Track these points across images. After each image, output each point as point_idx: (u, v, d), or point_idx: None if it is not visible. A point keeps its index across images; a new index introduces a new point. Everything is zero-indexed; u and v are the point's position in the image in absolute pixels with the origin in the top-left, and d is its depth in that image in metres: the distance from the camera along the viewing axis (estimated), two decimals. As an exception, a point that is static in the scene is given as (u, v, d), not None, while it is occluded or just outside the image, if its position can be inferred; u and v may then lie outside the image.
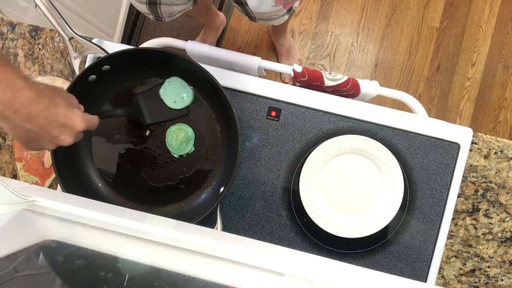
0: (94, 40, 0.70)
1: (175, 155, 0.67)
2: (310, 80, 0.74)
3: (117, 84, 0.67)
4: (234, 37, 1.59)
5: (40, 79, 0.73)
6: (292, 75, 0.74)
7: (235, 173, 0.61)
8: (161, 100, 0.67)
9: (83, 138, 0.67)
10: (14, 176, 0.74)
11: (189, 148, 0.67)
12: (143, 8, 0.83)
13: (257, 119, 0.68)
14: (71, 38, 0.66)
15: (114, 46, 0.70)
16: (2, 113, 0.43)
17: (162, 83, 0.67)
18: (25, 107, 0.44)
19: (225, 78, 0.68)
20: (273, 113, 0.68)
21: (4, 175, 0.74)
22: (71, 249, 0.42)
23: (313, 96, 0.68)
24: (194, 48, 0.74)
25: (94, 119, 0.55)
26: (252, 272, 0.42)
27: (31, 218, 0.45)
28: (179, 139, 0.66)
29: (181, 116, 0.68)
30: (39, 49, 0.73)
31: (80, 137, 0.53)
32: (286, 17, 0.94)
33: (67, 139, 0.49)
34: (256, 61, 0.73)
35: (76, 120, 0.49)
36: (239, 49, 1.59)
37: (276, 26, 1.45)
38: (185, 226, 0.50)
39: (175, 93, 0.67)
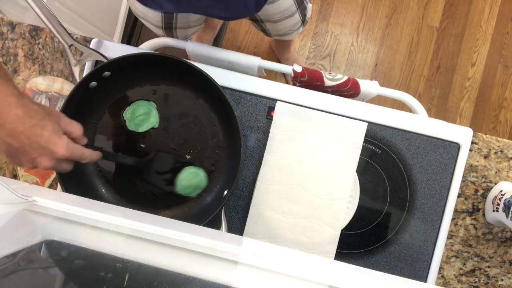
0: (94, 40, 0.70)
1: (180, 193, 0.66)
2: (310, 80, 0.74)
3: (118, 90, 0.67)
4: (234, 37, 1.59)
5: (40, 79, 0.73)
6: (292, 75, 0.74)
7: (238, 175, 0.61)
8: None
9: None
10: (14, 176, 0.74)
11: (196, 193, 0.67)
12: (159, 32, 0.84)
13: (257, 119, 0.68)
14: (70, 45, 0.66)
15: (114, 46, 0.70)
16: None
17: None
18: (10, 123, 0.45)
19: (225, 78, 0.68)
20: (273, 113, 0.68)
21: (4, 175, 0.74)
22: (71, 249, 0.42)
23: (313, 96, 0.68)
24: (194, 48, 0.74)
25: (86, 152, 0.54)
26: (252, 272, 0.42)
27: (31, 218, 0.45)
28: (192, 183, 0.65)
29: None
30: (39, 49, 0.73)
31: (65, 168, 0.53)
32: (301, 29, 0.94)
33: (44, 162, 0.49)
34: (256, 61, 0.73)
35: (59, 147, 0.49)
36: (239, 49, 1.59)
37: (281, 42, 1.46)
38: (185, 226, 0.50)
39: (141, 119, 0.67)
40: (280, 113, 0.66)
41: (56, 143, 0.48)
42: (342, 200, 0.65)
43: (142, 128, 0.67)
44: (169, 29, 0.82)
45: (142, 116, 0.67)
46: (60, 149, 0.49)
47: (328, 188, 0.65)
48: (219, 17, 0.74)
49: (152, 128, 0.67)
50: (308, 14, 0.91)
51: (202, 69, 0.61)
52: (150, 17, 0.78)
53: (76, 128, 0.53)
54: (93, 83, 0.63)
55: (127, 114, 0.67)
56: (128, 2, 0.82)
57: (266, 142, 0.68)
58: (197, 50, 0.74)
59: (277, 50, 1.52)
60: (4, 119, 0.45)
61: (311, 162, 0.65)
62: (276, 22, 0.83)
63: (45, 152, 0.48)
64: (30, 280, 0.38)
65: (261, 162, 0.68)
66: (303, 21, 0.90)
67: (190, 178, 0.66)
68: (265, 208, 0.66)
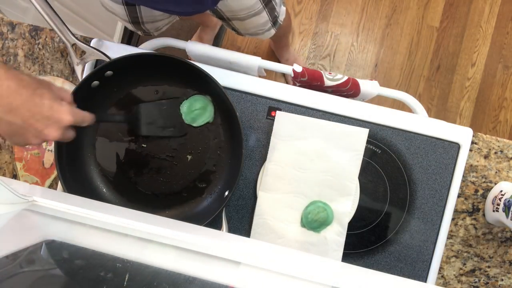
0: (94, 41, 0.70)
1: (315, 231, 0.66)
2: (310, 80, 0.74)
3: (120, 89, 0.67)
4: (234, 37, 1.59)
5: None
6: (292, 75, 0.74)
7: (239, 176, 0.61)
8: (176, 114, 0.67)
9: (88, 142, 0.67)
10: (14, 176, 0.74)
11: (322, 229, 0.66)
12: (129, 26, 0.82)
13: (257, 119, 0.68)
14: (73, 44, 0.66)
15: (114, 46, 0.70)
16: None
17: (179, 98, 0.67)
18: (5, 98, 0.42)
19: (225, 78, 0.68)
20: (273, 113, 0.68)
21: (4, 175, 0.74)
22: (71, 249, 0.42)
23: (313, 96, 0.68)
24: (194, 48, 0.74)
25: (86, 115, 0.53)
26: (252, 272, 0.43)
27: (31, 218, 0.45)
28: (318, 217, 0.64)
29: (177, 135, 0.67)
30: (39, 49, 0.73)
31: (70, 136, 0.51)
32: (273, 31, 0.91)
33: (53, 133, 0.47)
34: (256, 61, 0.73)
35: (63, 113, 0.47)
36: (239, 49, 1.59)
37: (278, 42, 1.44)
38: (185, 226, 0.50)
39: (195, 111, 0.67)
40: (280, 122, 0.66)
41: (59, 110, 0.46)
42: (345, 207, 0.65)
43: (198, 123, 0.67)
44: (136, 23, 0.80)
45: (199, 110, 0.67)
46: (65, 115, 0.47)
47: (330, 195, 0.65)
48: (174, 12, 0.71)
49: (208, 123, 0.67)
50: (281, 17, 0.88)
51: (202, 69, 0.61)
52: (116, 10, 0.75)
53: (67, 93, 0.51)
54: (95, 83, 0.63)
55: (183, 107, 0.67)
56: None
57: (267, 142, 0.68)
58: (197, 50, 0.74)
59: (276, 51, 1.52)
60: None
61: (313, 170, 0.65)
62: (243, 20, 0.81)
63: (51, 121, 0.46)
64: (30, 280, 0.38)
65: (262, 162, 0.68)
66: (274, 23, 0.87)
67: (317, 212, 0.64)
68: (269, 217, 0.66)
